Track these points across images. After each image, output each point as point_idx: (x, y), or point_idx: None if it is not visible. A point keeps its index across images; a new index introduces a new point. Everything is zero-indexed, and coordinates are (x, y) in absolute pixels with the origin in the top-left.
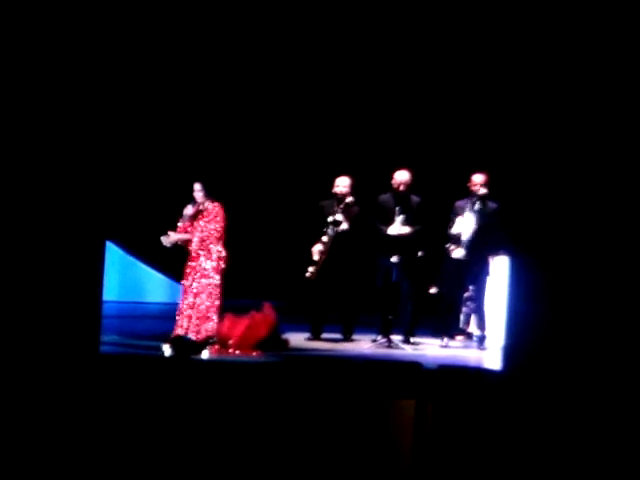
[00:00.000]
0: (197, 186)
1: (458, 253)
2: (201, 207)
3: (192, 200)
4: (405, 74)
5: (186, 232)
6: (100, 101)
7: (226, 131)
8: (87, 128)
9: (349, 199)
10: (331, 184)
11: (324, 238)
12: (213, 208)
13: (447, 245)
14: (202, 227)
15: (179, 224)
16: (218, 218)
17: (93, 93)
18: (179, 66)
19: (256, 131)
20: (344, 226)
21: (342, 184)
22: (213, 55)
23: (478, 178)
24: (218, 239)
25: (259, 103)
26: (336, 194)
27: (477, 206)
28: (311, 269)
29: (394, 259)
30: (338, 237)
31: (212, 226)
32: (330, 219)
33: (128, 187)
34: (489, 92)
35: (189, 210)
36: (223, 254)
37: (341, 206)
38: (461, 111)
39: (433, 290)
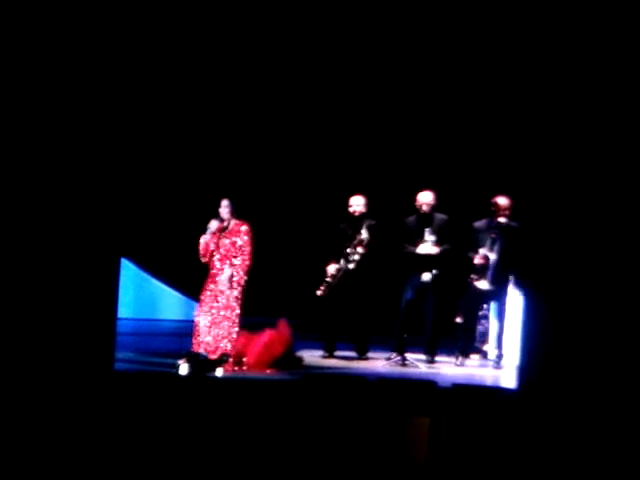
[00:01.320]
0: (225, 202)
1: (482, 285)
2: (226, 224)
3: (217, 216)
4: (421, 91)
5: (207, 248)
6: (119, 119)
7: (242, 150)
8: (104, 146)
9: (361, 233)
10: (346, 203)
11: (338, 266)
12: (241, 227)
13: (471, 276)
14: (228, 245)
15: (202, 240)
16: (246, 238)
17: (112, 110)
18: (200, 86)
19: (273, 150)
20: (352, 265)
21: (356, 203)
22: (233, 74)
23: (502, 201)
24: (243, 258)
25: (275, 121)
26: (352, 213)
27: (496, 236)
28: (322, 287)
29: (426, 277)
30: (359, 263)
31: (240, 244)
32: (347, 251)
33: (143, 204)
34: (505, 111)
35: (214, 225)
36: (242, 273)
37: (351, 246)
38: (474, 129)
39: (459, 320)
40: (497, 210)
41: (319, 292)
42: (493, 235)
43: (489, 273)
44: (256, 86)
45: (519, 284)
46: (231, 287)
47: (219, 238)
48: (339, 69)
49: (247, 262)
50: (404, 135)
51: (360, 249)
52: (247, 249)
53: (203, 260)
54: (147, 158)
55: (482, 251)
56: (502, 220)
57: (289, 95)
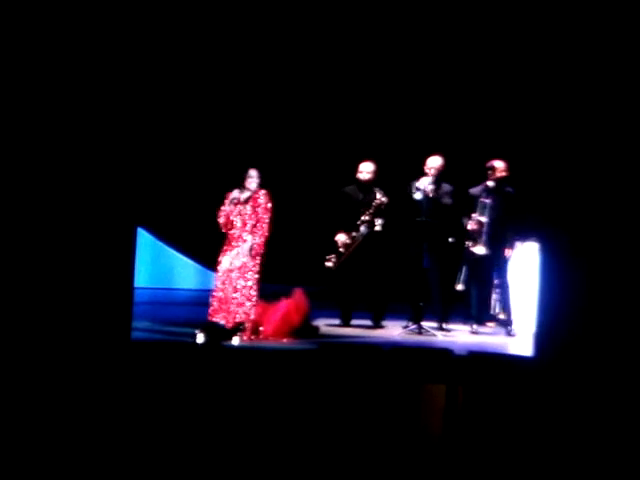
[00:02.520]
0: (253, 172)
1: (479, 250)
2: (251, 193)
3: (239, 185)
4: (430, 56)
5: (228, 218)
6: (132, 87)
7: (254, 117)
8: (118, 114)
9: (378, 198)
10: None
11: (354, 234)
12: (263, 195)
13: (467, 243)
14: (250, 213)
15: (223, 208)
16: (269, 205)
17: (123, 79)
18: (212, 57)
19: (285, 117)
20: (378, 227)
21: (366, 170)
22: (244, 45)
23: (499, 164)
24: (262, 226)
25: (285, 88)
26: (360, 180)
27: (489, 200)
28: (333, 259)
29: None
30: (370, 234)
31: (261, 213)
32: (364, 218)
33: (159, 173)
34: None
35: (236, 194)
36: (261, 241)
37: (370, 211)
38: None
39: (460, 287)
40: (493, 173)
41: (329, 264)
42: (483, 200)
43: (483, 237)
44: (267, 54)
45: (534, 240)
46: (251, 256)
47: (244, 205)
48: (349, 44)
49: (266, 232)
50: (411, 102)
51: (369, 230)
52: (267, 217)
53: (224, 230)
54: (163, 128)
55: (475, 216)
56: (491, 184)
57: (299, 63)
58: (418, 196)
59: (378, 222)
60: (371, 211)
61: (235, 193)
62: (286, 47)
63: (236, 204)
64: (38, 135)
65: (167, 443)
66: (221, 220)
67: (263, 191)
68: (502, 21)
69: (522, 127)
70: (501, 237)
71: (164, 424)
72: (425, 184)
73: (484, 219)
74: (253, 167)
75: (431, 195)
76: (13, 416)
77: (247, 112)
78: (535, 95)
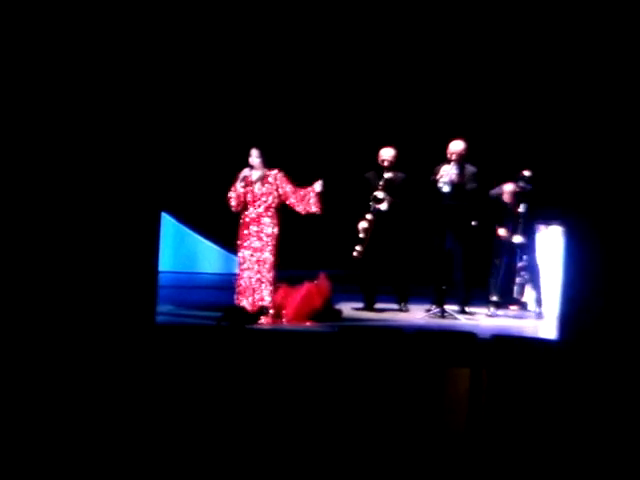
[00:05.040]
0: (255, 152)
1: (517, 239)
2: (262, 173)
3: (248, 165)
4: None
5: (244, 197)
6: (150, 75)
7: (274, 101)
8: (142, 105)
9: (387, 175)
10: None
11: (368, 216)
12: (278, 175)
13: (500, 231)
14: (267, 193)
15: (232, 191)
16: (285, 184)
17: (146, 71)
18: (228, 38)
19: (306, 101)
20: (384, 206)
21: (386, 155)
22: (261, 24)
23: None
24: (278, 206)
25: (306, 73)
26: (380, 165)
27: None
28: (358, 248)
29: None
30: (381, 214)
31: (279, 192)
32: (373, 195)
33: (181, 158)
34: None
35: (247, 172)
36: (276, 222)
37: (381, 182)
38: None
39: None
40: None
41: (355, 254)
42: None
43: (520, 226)
44: (287, 37)
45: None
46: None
47: (252, 188)
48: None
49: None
50: (432, 87)
51: (377, 206)
52: (289, 189)
53: (235, 210)
54: (183, 114)
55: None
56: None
57: (320, 46)
58: (446, 189)
59: (384, 199)
60: (380, 188)
61: (246, 171)
62: (307, 38)
63: (248, 184)
64: (66, 126)
65: (192, 425)
66: (232, 202)
67: (277, 170)
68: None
69: (545, 117)
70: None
71: (189, 407)
72: (449, 172)
73: (522, 209)
74: (255, 146)
75: (456, 181)
76: (42, 397)
77: (269, 97)
78: (558, 87)
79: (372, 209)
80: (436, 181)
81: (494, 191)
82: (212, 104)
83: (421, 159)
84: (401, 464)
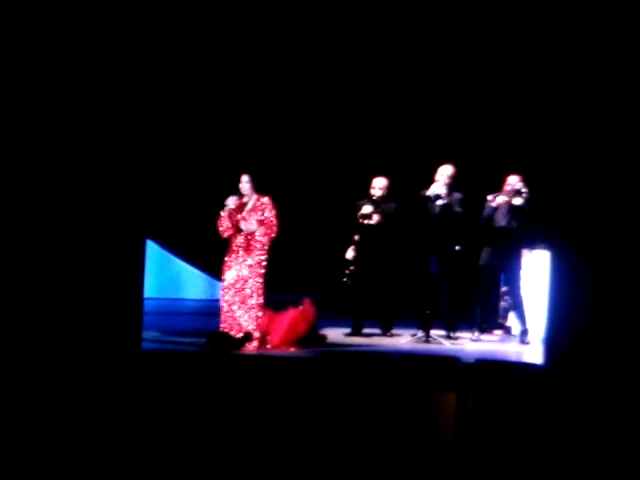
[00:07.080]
0: (245, 178)
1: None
2: (248, 199)
3: (237, 192)
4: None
5: (232, 224)
6: (139, 102)
7: (265, 128)
8: (125, 129)
9: (375, 193)
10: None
11: (355, 237)
12: (265, 202)
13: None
14: (256, 220)
15: (223, 214)
16: (273, 212)
17: (130, 90)
18: (219, 65)
19: (297, 129)
20: (373, 220)
21: (378, 185)
22: (253, 52)
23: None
24: (267, 234)
25: (298, 101)
26: (372, 195)
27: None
28: (347, 274)
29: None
30: (369, 232)
31: (266, 216)
32: (360, 212)
33: (165, 185)
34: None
35: (232, 201)
36: (266, 249)
37: (372, 208)
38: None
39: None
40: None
41: (345, 279)
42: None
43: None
44: (278, 65)
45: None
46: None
47: (241, 215)
48: (360, 52)
49: (273, 234)
50: (426, 117)
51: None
52: (273, 221)
53: (223, 236)
54: (168, 141)
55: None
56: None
57: (312, 72)
58: (439, 202)
59: (371, 213)
60: (369, 204)
61: (231, 199)
62: (298, 60)
63: (234, 211)
64: (48, 148)
65: (177, 451)
66: (221, 228)
67: (265, 198)
68: (508, 31)
69: (532, 137)
70: (512, 245)
71: (174, 432)
72: (438, 190)
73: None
74: (245, 173)
75: (445, 200)
76: (25, 424)
77: (259, 125)
78: (546, 107)
79: (360, 227)
80: (425, 197)
81: (487, 211)
82: (198, 131)
83: (412, 188)
84: None
